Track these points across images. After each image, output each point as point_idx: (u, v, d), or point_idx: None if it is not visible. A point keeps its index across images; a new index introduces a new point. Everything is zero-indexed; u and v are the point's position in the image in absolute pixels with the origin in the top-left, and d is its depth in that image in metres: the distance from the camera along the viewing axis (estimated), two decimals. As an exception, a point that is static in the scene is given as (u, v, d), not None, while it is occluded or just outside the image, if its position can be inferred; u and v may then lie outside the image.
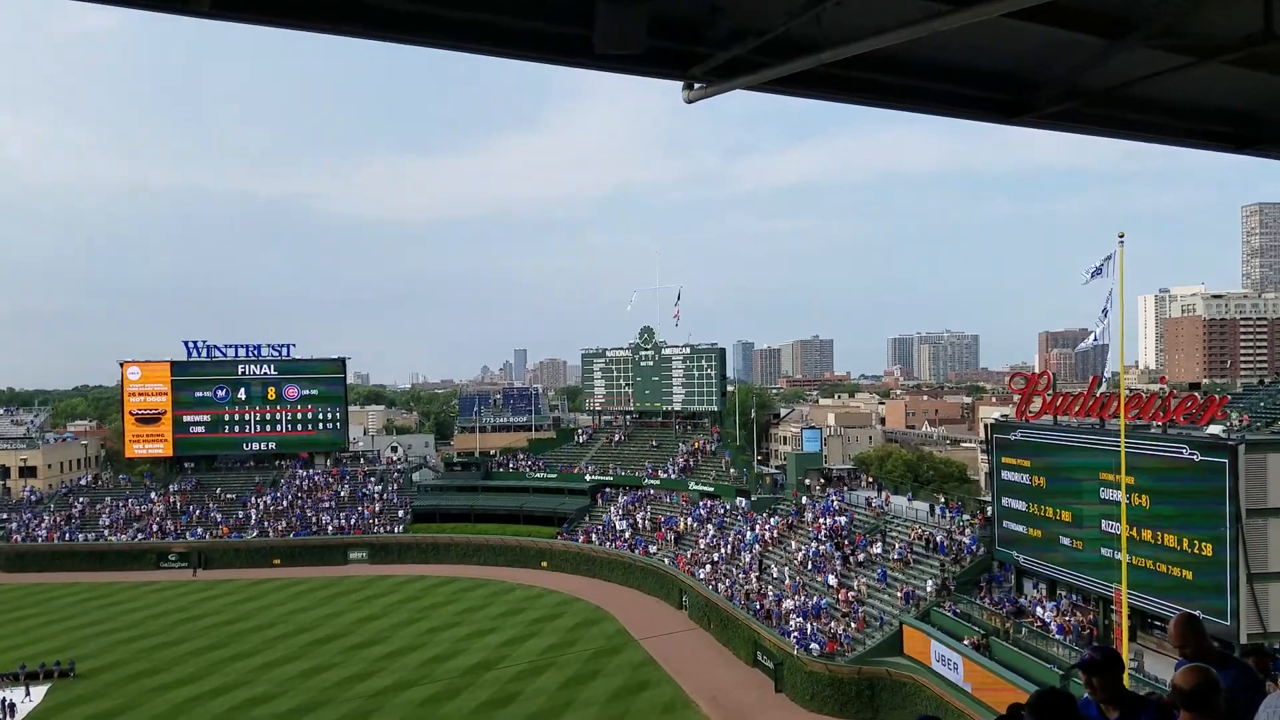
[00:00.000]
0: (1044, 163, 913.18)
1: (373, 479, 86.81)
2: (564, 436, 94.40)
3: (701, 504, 67.27)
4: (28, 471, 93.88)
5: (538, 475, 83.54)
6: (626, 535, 67.58)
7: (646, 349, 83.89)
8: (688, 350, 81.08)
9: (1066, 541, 36.88)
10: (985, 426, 63.10)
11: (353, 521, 78.72)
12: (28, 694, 44.12)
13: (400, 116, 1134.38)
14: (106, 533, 78.33)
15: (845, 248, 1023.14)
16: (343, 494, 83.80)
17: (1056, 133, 7.01)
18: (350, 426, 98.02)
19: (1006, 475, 41.27)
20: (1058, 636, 35.78)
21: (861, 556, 49.32)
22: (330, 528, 78.23)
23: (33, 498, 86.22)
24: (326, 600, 63.19)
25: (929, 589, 42.52)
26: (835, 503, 55.98)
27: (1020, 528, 40.20)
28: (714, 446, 76.73)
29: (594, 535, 69.62)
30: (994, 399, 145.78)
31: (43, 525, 79.12)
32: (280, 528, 78.57)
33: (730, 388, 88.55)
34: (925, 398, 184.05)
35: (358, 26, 4.83)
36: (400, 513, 79.62)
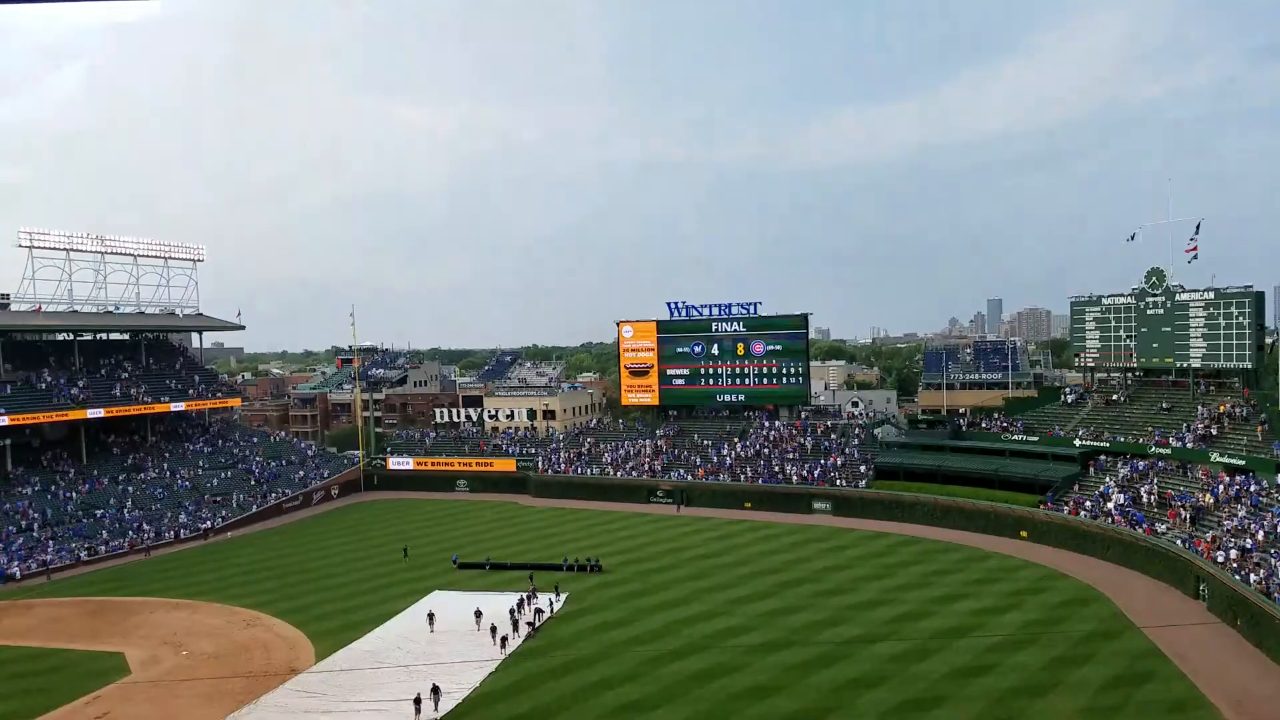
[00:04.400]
0: None
1: (834, 433, 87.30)
2: (1047, 396, 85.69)
3: (1227, 479, 56.18)
4: (549, 415, 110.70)
5: (1015, 438, 76.95)
6: (1127, 510, 59.09)
7: (1155, 295, 72.15)
8: (1210, 295, 68.07)
9: None
10: None
11: (815, 473, 79.90)
12: (557, 595, 51.65)
13: (850, 65, 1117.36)
14: (609, 469, 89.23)
15: None
16: (806, 446, 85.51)
17: None
18: (812, 381, 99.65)
19: None
20: None
21: None
22: (795, 477, 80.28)
23: (553, 437, 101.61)
24: (794, 545, 64.87)
25: None
26: None
27: None
28: (1245, 411, 63.67)
29: (1085, 507, 62.03)
30: None
31: (561, 460, 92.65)
32: (749, 474, 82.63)
33: (1269, 340, 72.72)
34: None
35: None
36: (862, 468, 78.88)
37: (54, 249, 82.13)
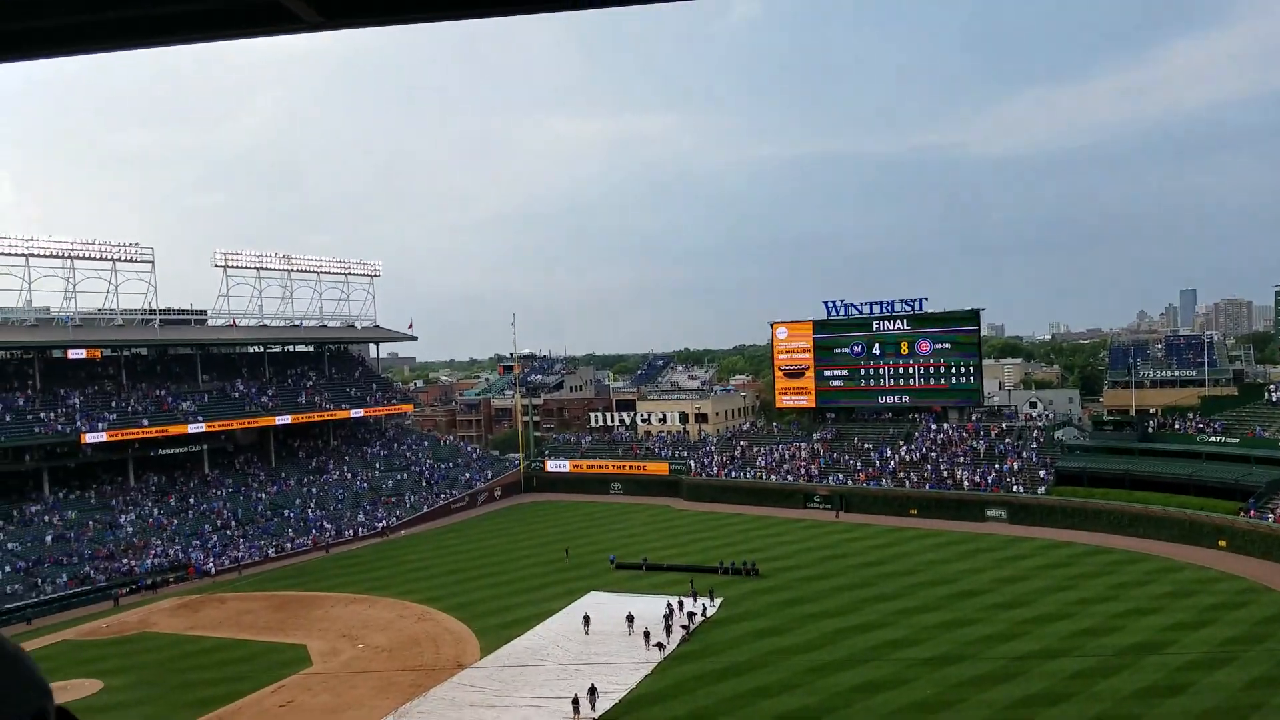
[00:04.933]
0: None
1: (1010, 436, 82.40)
2: (1249, 394, 77.74)
3: None
4: (701, 418, 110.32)
5: (1212, 439, 70.15)
6: (1349, 518, 52.59)
7: (1377, 280, 64.00)
8: None
9: None
10: None
11: (989, 479, 75.61)
12: (711, 600, 51.09)
13: (1036, 45, 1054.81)
14: (763, 473, 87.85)
15: None
16: (978, 450, 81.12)
17: None
18: (985, 380, 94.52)
19: None
20: None
21: None
22: (966, 483, 76.27)
23: (706, 440, 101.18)
24: (965, 555, 61.52)
25: None
26: None
27: None
28: None
29: (1297, 515, 55.66)
30: None
31: (714, 464, 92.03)
32: (915, 479, 79.19)
33: None
34: None
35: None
36: (1041, 473, 73.99)
37: (246, 268, 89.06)
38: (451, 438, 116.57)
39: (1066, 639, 42.72)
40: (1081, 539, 64.37)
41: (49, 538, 65.13)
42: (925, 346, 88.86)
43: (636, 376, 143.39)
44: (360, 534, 77.49)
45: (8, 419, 69.23)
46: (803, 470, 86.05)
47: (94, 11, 2.96)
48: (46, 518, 67.71)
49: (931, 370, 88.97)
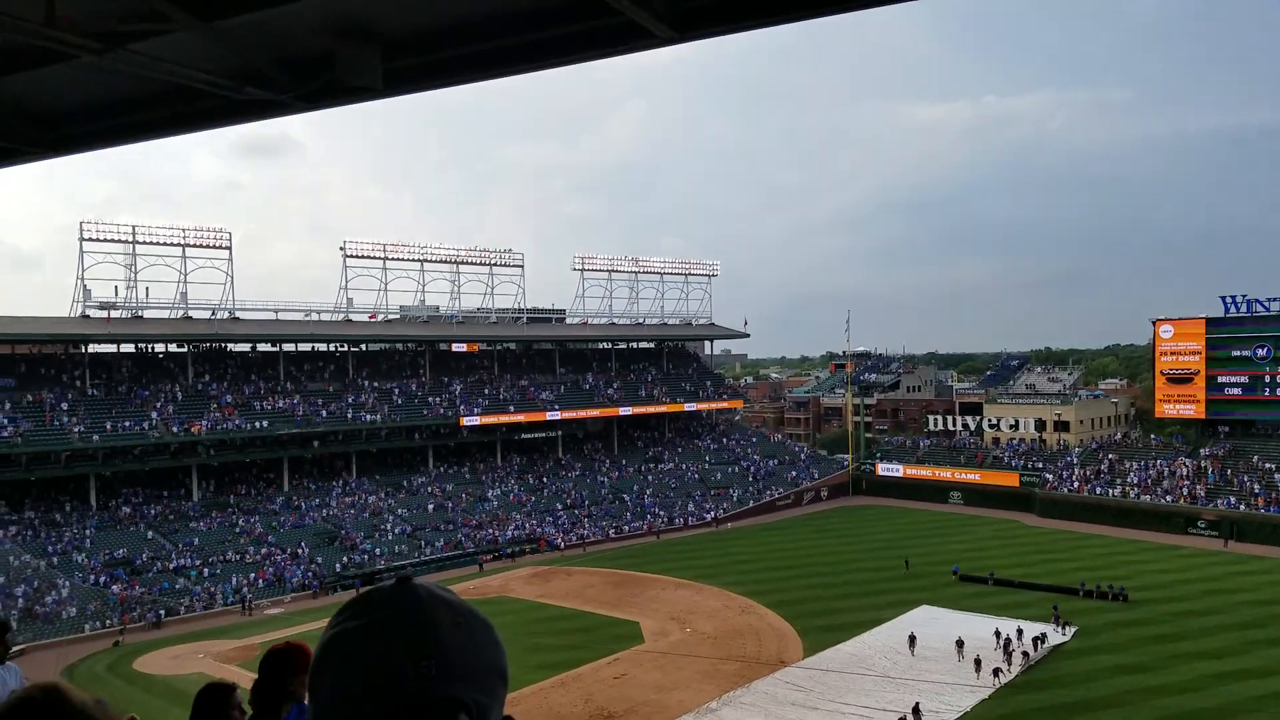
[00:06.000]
0: None
1: None
2: None
3: None
4: (1061, 426, 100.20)
5: None
6: None
7: None
8: None
9: None
10: None
11: None
12: (1063, 629, 46.17)
13: None
14: (1134, 491, 77.80)
15: None
16: None
17: None
18: None
19: None
20: None
21: None
22: None
23: (1065, 450, 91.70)
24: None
25: None
26: None
27: None
28: None
29: None
30: None
31: (1074, 477, 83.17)
32: (1334, 509, 65.71)
33: None
34: None
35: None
36: None
37: (599, 271, 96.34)
38: (779, 435, 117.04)
39: None
40: None
41: (430, 506, 75.15)
42: (1351, 350, 73.35)
43: (985, 378, 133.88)
44: (690, 523, 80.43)
45: (403, 402, 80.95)
46: (1185, 490, 74.90)
47: (481, 42, 3.48)
48: (429, 489, 78.20)
49: (1360, 379, 73.21)
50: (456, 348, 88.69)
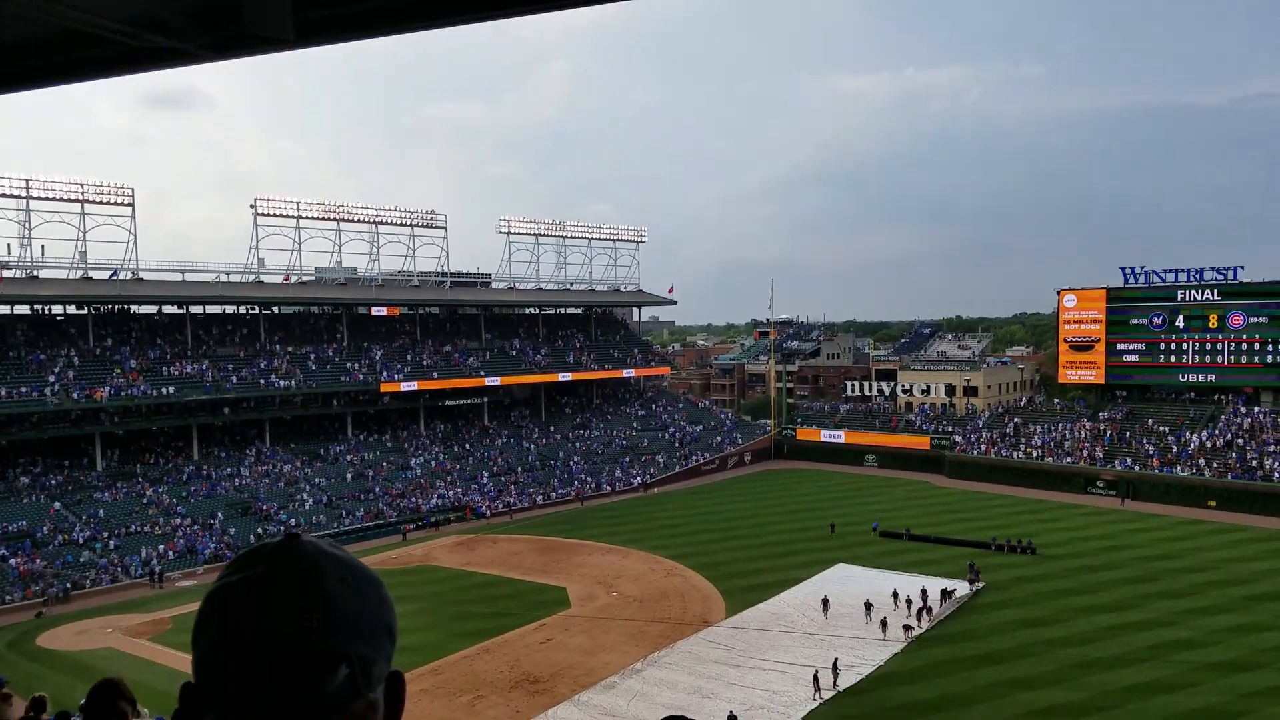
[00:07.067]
0: None
1: (1348, 425, 70.17)
2: None
3: None
4: (970, 391, 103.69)
5: None
6: None
7: None
8: None
9: None
10: None
11: (1317, 472, 64.95)
12: (975, 585, 48.10)
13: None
14: (1037, 453, 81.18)
15: None
16: (1304, 439, 69.89)
17: None
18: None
19: None
20: None
21: None
22: (1277, 475, 66.10)
23: (974, 415, 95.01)
24: (1269, 554, 53.85)
25: None
26: None
27: None
28: None
29: None
30: None
31: (982, 440, 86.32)
32: (1216, 467, 69.77)
33: None
34: None
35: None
36: (1389, 469, 62.43)
37: (526, 234, 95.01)
38: (705, 401, 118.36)
39: None
40: None
41: (349, 475, 73.81)
42: (1238, 320, 77.63)
43: (899, 345, 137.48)
44: (617, 488, 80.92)
45: (318, 368, 79.03)
46: (1085, 452, 78.52)
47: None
48: (349, 457, 76.75)
49: (1244, 347, 77.66)
50: (376, 311, 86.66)
